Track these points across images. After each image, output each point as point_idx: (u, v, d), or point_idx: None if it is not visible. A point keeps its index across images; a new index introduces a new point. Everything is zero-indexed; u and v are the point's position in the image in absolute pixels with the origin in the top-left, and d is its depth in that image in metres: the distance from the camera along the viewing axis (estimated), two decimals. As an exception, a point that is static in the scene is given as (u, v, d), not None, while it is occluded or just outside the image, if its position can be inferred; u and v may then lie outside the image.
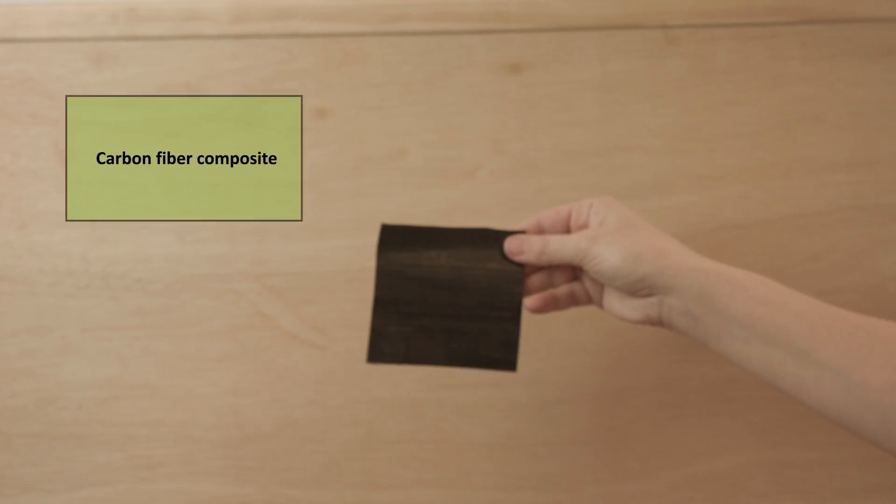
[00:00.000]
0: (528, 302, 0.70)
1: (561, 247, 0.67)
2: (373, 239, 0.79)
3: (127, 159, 0.78)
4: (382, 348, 0.67)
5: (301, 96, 0.79)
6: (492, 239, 0.69)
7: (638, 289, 0.65)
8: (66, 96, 0.78)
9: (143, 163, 0.78)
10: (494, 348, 0.68)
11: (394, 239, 0.69)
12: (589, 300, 0.70)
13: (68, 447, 0.81)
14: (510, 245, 0.69)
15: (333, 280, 0.80)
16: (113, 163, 0.78)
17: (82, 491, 0.81)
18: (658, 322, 0.66)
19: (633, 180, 0.80)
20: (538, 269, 0.69)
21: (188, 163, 0.78)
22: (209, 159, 0.79)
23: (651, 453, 0.81)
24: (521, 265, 0.69)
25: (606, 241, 0.65)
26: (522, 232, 0.69)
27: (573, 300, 0.70)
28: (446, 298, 0.68)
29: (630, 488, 0.81)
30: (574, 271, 0.70)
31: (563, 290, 0.70)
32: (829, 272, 0.80)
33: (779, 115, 0.80)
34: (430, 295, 0.68)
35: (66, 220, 0.79)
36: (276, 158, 0.79)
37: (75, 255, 0.79)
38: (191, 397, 0.80)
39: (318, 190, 0.79)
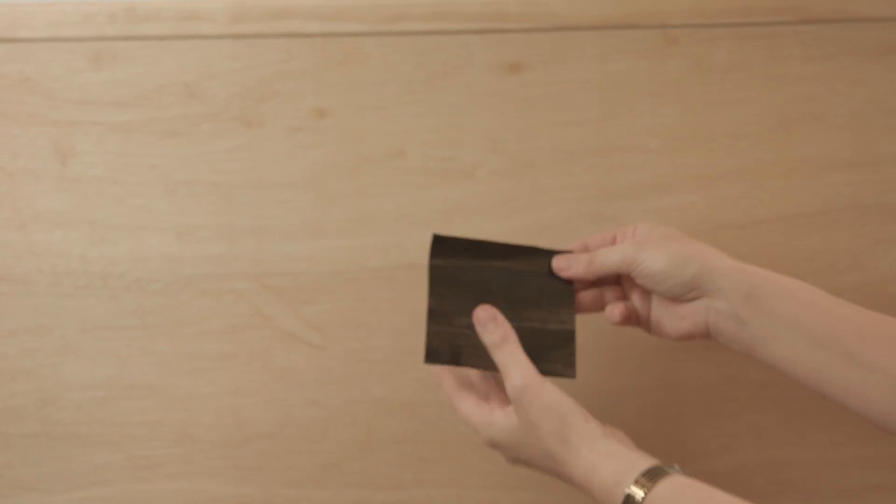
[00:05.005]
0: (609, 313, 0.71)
1: (608, 254, 0.68)
2: (372, 239, 0.79)
3: (126, 159, 0.78)
4: (438, 348, 0.67)
5: (300, 96, 0.78)
6: (540, 256, 0.70)
7: (685, 291, 0.65)
8: (65, 96, 0.78)
9: (142, 163, 0.78)
10: (548, 359, 0.68)
11: (444, 249, 0.70)
12: (638, 320, 0.70)
13: (68, 447, 0.81)
14: (557, 263, 0.70)
15: (333, 280, 0.80)
16: (112, 163, 0.78)
17: (82, 491, 0.81)
18: (704, 330, 0.66)
19: (632, 180, 0.80)
20: (589, 286, 0.71)
21: (187, 163, 0.78)
22: (208, 160, 0.78)
23: (651, 453, 0.80)
24: (570, 282, 0.70)
25: (654, 247, 0.66)
26: (569, 252, 0.70)
27: (627, 319, 0.70)
28: (499, 307, 0.68)
29: None
30: (623, 291, 0.71)
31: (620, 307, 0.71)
32: (829, 272, 0.80)
33: (778, 115, 0.80)
34: (484, 303, 0.68)
35: (65, 220, 0.79)
36: (275, 158, 0.79)
37: (74, 254, 0.79)
38: (190, 397, 0.80)
39: (317, 190, 0.79)
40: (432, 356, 0.67)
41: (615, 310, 0.69)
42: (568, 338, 0.69)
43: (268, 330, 0.80)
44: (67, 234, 0.79)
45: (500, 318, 0.66)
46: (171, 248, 0.79)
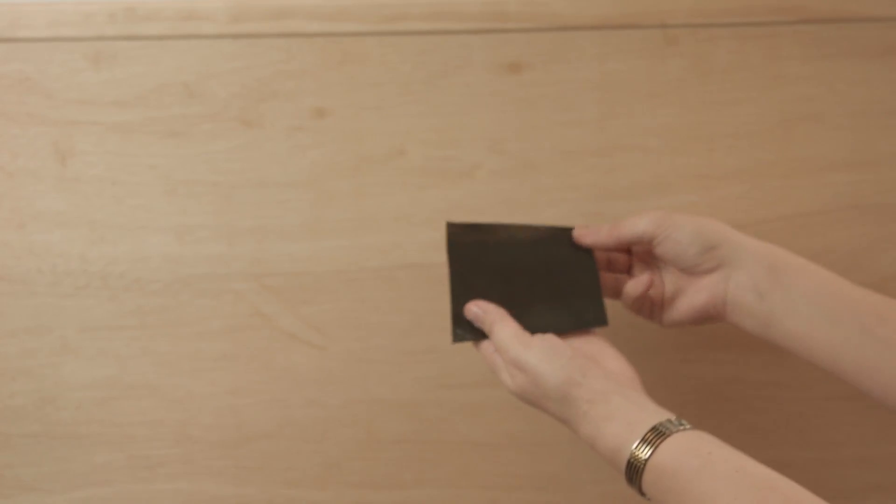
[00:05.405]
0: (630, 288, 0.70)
1: (636, 221, 0.68)
2: (372, 239, 0.79)
3: (125, 159, 0.78)
4: (465, 328, 0.68)
5: (300, 96, 0.78)
6: (558, 232, 0.71)
7: (706, 259, 0.66)
8: (65, 96, 0.78)
9: (142, 163, 0.78)
10: (579, 316, 0.67)
11: (460, 234, 0.70)
12: (651, 309, 0.70)
13: (67, 447, 0.81)
14: (578, 231, 0.71)
15: (332, 280, 0.80)
16: (111, 163, 0.78)
17: (81, 491, 0.81)
18: (721, 304, 0.67)
19: (632, 180, 0.80)
20: (603, 268, 0.71)
21: (187, 163, 0.78)
22: (208, 160, 0.78)
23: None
24: (589, 251, 0.70)
25: (680, 217, 0.67)
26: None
27: (641, 305, 0.70)
28: (522, 283, 0.69)
29: (630, 488, 0.80)
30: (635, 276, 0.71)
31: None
32: (829, 272, 0.80)
33: (778, 115, 0.80)
34: (507, 280, 0.69)
35: (65, 220, 0.79)
36: (275, 158, 0.79)
37: (74, 254, 0.79)
38: (190, 397, 0.80)
39: (317, 190, 0.79)
40: (458, 336, 0.68)
41: (639, 283, 0.68)
42: (594, 292, 0.69)
43: (267, 330, 0.80)
44: (67, 234, 0.79)
45: (485, 305, 0.66)
46: (170, 248, 0.79)
